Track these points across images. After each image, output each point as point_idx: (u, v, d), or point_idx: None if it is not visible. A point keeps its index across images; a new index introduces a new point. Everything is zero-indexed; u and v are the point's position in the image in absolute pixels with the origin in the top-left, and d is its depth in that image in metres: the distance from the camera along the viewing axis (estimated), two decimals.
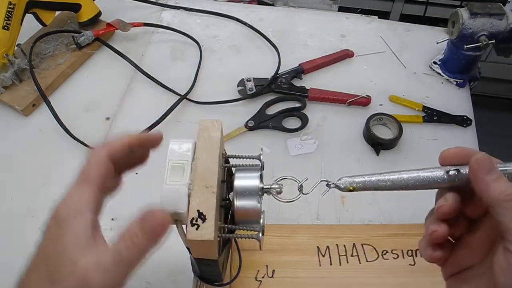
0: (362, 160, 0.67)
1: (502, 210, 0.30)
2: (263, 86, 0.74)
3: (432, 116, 0.71)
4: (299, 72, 0.77)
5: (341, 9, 1.06)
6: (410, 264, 0.53)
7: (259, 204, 0.36)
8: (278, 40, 0.82)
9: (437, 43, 0.76)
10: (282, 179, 0.39)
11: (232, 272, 0.50)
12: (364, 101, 0.72)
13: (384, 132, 0.69)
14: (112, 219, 0.60)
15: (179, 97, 0.72)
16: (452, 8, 0.79)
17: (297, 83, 0.76)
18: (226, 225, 0.37)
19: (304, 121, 0.70)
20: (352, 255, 0.54)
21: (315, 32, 0.85)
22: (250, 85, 0.74)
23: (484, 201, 0.31)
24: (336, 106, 0.73)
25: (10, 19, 0.69)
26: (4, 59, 0.70)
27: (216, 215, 0.33)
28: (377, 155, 0.67)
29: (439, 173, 0.34)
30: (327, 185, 0.37)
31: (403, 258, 0.54)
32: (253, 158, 0.39)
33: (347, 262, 0.54)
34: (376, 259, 0.54)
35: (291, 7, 1.00)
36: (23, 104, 0.70)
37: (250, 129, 0.69)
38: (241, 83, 0.74)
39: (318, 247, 0.55)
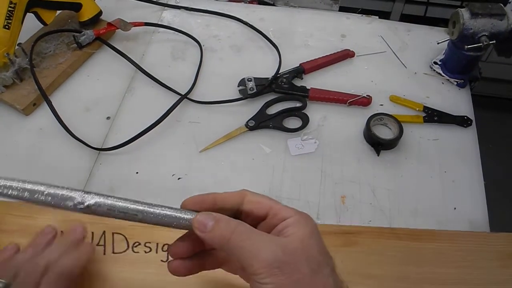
0: (362, 160, 0.67)
1: (231, 251, 0.33)
2: (264, 86, 0.74)
3: (433, 116, 0.71)
4: (299, 72, 0.77)
5: (342, 9, 1.06)
6: (162, 260, 0.48)
7: None
8: (279, 40, 0.82)
9: (438, 43, 0.76)
10: None
11: None
12: (364, 101, 0.72)
13: (384, 132, 0.69)
14: None
15: (180, 96, 0.72)
16: (452, 8, 0.79)
17: (298, 83, 0.76)
18: None
19: (305, 121, 0.70)
20: (98, 244, 0.49)
21: (316, 32, 0.85)
22: (250, 84, 0.74)
23: (221, 251, 0.35)
24: (336, 106, 0.73)
25: (11, 18, 0.69)
26: (5, 58, 0.70)
27: None
28: (378, 155, 0.67)
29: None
30: None
31: (156, 253, 0.48)
32: None
33: None
34: (124, 251, 0.49)
35: (291, 7, 1.00)
36: (23, 103, 0.70)
37: (251, 129, 0.69)
38: (242, 82, 0.74)
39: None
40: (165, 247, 0.49)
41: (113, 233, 0.50)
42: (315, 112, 0.72)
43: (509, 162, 1.53)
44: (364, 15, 0.90)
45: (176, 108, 0.70)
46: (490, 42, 0.67)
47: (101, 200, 0.35)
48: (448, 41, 0.75)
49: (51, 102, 0.70)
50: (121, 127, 0.70)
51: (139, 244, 0.49)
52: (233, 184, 0.64)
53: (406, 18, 1.53)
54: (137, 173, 0.65)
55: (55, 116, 0.68)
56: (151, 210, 0.35)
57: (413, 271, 0.52)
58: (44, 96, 0.70)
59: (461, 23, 0.68)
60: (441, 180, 0.64)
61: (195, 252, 0.37)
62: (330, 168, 0.66)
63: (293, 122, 0.71)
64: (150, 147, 0.68)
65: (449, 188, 0.64)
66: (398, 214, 0.61)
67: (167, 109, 0.70)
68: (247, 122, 0.70)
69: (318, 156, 0.67)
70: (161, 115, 0.69)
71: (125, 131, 0.68)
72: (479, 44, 0.68)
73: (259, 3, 1.01)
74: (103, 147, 0.67)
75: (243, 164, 0.66)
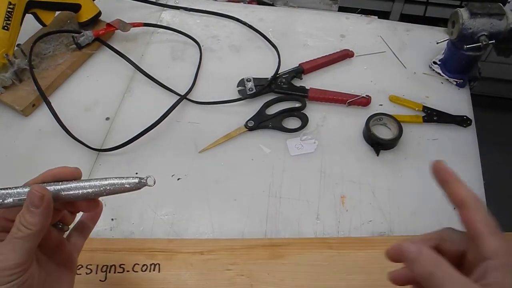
0: (362, 160, 0.67)
1: (476, 244, 0.31)
2: (263, 86, 0.74)
3: (432, 116, 0.71)
4: (299, 72, 0.77)
5: (341, 9, 1.06)
6: (100, 280, 0.53)
7: None
8: (278, 40, 0.82)
9: (437, 43, 0.75)
10: None
11: None
12: (364, 101, 0.72)
13: (384, 132, 0.69)
14: (112, 219, 0.60)
15: (179, 97, 0.72)
16: (452, 8, 0.79)
17: (297, 83, 0.76)
18: None
19: (304, 121, 0.70)
20: None
21: (315, 32, 0.85)
22: (250, 85, 0.74)
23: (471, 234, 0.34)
24: (336, 106, 0.73)
25: (10, 19, 0.69)
26: (4, 59, 0.70)
27: None
28: (377, 155, 0.67)
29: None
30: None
31: (96, 273, 0.54)
32: None
33: None
34: None
35: (291, 7, 1.00)
36: (23, 104, 0.70)
37: (250, 129, 0.69)
38: (241, 83, 0.74)
39: None
40: (104, 268, 0.54)
41: None
42: (315, 112, 0.72)
43: (509, 162, 1.53)
44: (363, 15, 0.89)
45: (175, 109, 0.70)
46: (490, 42, 0.67)
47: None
48: (447, 41, 0.75)
49: (50, 103, 0.70)
50: (120, 127, 0.70)
51: (82, 266, 0.54)
52: (233, 184, 0.64)
53: (405, 18, 1.54)
54: (136, 173, 0.65)
55: (54, 117, 0.68)
56: (97, 183, 0.39)
57: (344, 279, 0.53)
58: (43, 97, 0.70)
59: (461, 23, 0.68)
60: None
61: None
62: (329, 168, 0.66)
63: (292, 122, 0.71)
64: (150, 148, 0.68)
65: None
66: (398, 214, 0.61)
67: (166, 109, 0.69)
68: (246, 122, 0.70)
69: (318, 156, 0.67)
70: (160, 115, 0.69)
71: (124, 132, 0.68)
72: (478, 44, 0.68)
73: (258, 3, 1.01)
74: (102, 148, 0.67)
75: (242, 165, 0.66)
